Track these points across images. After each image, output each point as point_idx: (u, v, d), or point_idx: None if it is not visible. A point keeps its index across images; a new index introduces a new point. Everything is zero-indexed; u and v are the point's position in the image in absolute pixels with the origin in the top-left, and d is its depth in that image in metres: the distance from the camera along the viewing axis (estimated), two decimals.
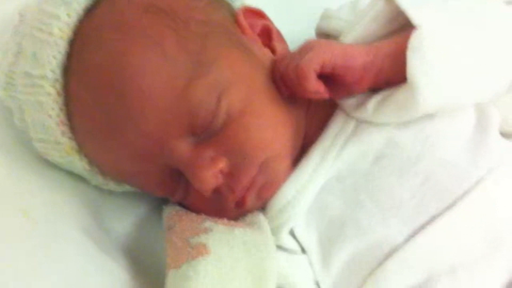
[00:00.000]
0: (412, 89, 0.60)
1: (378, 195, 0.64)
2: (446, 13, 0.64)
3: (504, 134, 0.68)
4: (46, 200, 0.70)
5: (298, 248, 0.67)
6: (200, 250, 0.61)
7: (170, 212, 0.69)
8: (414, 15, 0.62)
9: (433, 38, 0.61)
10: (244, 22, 0.72)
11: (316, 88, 0.63)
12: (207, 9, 0.69)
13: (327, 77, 0.64)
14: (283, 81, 0.66)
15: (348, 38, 0.69)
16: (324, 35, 0.76)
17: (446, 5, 0.66)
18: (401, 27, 0.66)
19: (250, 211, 0.68)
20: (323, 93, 0.64)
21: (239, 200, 0.66)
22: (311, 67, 0.62)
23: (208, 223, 0.64)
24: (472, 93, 0.64)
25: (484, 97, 0.66)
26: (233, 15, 0.73)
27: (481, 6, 0.66)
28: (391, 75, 0.63)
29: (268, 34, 0.73)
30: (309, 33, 0.77)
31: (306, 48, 0.65)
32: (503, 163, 0.64)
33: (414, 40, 0.60)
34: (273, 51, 0.72)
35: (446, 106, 0.64)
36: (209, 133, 0.64)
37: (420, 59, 0.60)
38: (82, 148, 0.70)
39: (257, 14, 0.74)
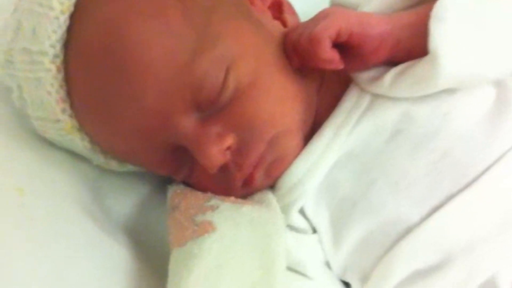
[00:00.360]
0: (434, 60, 0.58)
1: (392, 173, 0.62)
2: None
3: None
4: (44, 179, 0.68)
5: (308, 228, 0.66)
6: (205, 228, 0.59)
7: (175, 191, 0.67)
8: None
9: (457, 8, 0.59)
10: None
11: (330, 56, 0.61)
12: None
13: (342, 48, 0.62)
14: (295, 50, 0.64)
15: (366, 10, 0.66)
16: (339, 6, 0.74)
17: None
18: (420, 1, 0.64)
19: (258, 189, 0.66)
20: (337, 63, 0.61)
21: (247, 178, 0.64)
22: (326, 33, 0.60)
23: (215, 200, 0.63)
24: (494, 66, 0.62)
25: (507, 71, 0.63)
26: None
27: None
28: (409, 47, 0.62)
29: (278, 7, 0.72)
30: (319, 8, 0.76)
31: (320, 16, 0.63)
32: None
33: (438, 10, 0.59)
34: (283, 23, 0.70)
35: (467, 79, 0.62)
36: (215, 108, 0.62)
37: (444, 30, 0.58)
38: (83, 126, 0.68)
39: None
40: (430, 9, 0.59)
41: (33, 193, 0.65)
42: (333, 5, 0.75)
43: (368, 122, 0.64)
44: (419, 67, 0.60)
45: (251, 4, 0.69)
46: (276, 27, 0.69)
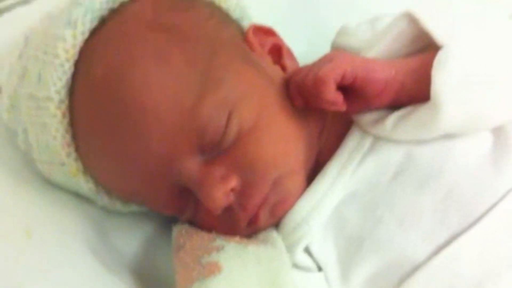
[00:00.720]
0: (436, 106, 0.60)
1: (398, 210, 0.63)
2: (471, 33, 0.64)
3: None
4: (51, 220, 0.69)
5: (314, 266, 0.67)
6: (212, 269, 0.60)
7: (180, 231, 0.68)
8: (439, 36, 0.62)
9: (459, 57, 0.61)
10: (253, 39, 0.72)
11: (334, 97, 0.62)
12: (216, 27, 0.70)
13: (346, 90, 0.63)
14: (300, 91, 0.65)
15: (368, 56, 0.68)
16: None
17: (468, 24, 0.66)
18: (424, 47, 0.66)
19: (263, 228, 0.67)
20: (340, 105, 0.62)
21: (251, 218, 0.65)
22: (331, 75, 0.61)
23: (220, 241, 0.64)
24: (495, 114, 0.64)
25: (507, 118, 0.65)
26: (243, 33, 0.73)
27: (504, 25, 0.66)
28: (412, 92, 0.63)
29: (278, 52, 0.73)
30: (318, 52, 0.78)
31: (325, 59, 0.64)
32: None
33: (440, 57, 0.60)
34: (283, 68, 0.72)
35: (467, 126, 0.63)
36: (219, 150, 0.64)
37: (446, 77, 0.60)
38: (88, 169, 0.69)
39: (267, 32, 0.74)
40: (433, 56, 0.61)
41: (41, 234, 0.67)
42: (335, 49, 0.77)
43: (371, 163, 0.65)
44: (421, 112, 0.62)
45: (251, 49, 0.71)
46: (276, 71, 0.71)
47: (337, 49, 0.77)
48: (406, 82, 0.63)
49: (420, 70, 0.62)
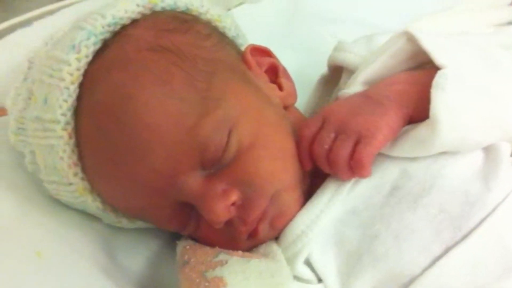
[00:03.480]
0: (434, 126, 0.62)
1: (394, 226, 0.65)
2: (468, 55, 0.66)
3: None
4: (60, 240, 0.71)
5: (313, 278, 0.68)
6: (217, 283, 0.61)
7: (184, 246, 0.69)
8: (438, 56, 0.64)
9: (458, 78, 0.63)
10: (251, 59, 0.74)
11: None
12: (213, 48, 0.71)
13: None
14: (313, 157, 0.67)
15: (365, 73, 0.70)
16: (337, 67, 0.78)
17: (466, 45, 0.67)
18: (419, 65, 0.68)
19: (263, 241, 0.68)
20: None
21: (252, 231, 0.67)
22: (371, 159, 0.63)
23: (223, 255, 0.65)
24: (490, 134, 0.66)
25: (501, 138, 0.67)
26: (239, 53, 0.75)
27: (500, 51, 0.68)
28: (412, 113, 0.65)
29: (274, 71, 0.75)
30: (312, 70, 0.80)
31: (353, 128, 0.64)
32: None
33: (439, 79, 0.62)
34: (280, 87, 0.74)
35: (462, 145, 0.65)
36: (219, 166, 0.65)
37: (445, 98, 0.62)
38: (94, 188, 0.71)
39: (264, 52, 0.76)
40: (431, 76, 0.63)
41: (51, 254, 0.68)
42: (331, 64, 0.79)
43: (367, 180, 0.67)
44: (419, 131, 0.64)
45: (249, 69, 0.73)
46: (273, 90, 0.73)
47: (332, 66, 0.78)
48: (410, 111, 0.65)
49: (420, 92, 0.63)
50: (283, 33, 0.93)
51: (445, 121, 0.62)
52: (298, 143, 0.68)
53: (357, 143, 0.64)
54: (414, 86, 0.66)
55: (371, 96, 0.67)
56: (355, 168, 0.64)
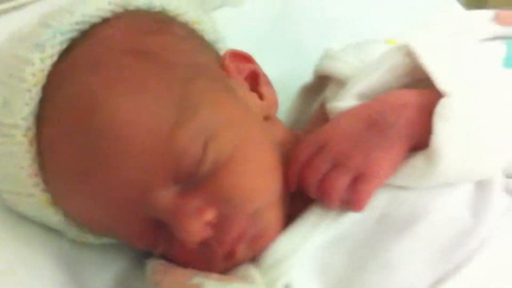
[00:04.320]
0: (435, 158, 0.58)
1: (380, 256, 0.61)
2: (470, 80, 0.62)
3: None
4: (15, 256, 0.66)
5: None
6: None
7: (153, 267, 0.64)
8: (441, 81, 0.60)
9: (462, 108, 0.59)
10: (230, 65, 0.69)
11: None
12: (192, 51, 0.67)
13: None
14: (300, 179, 0.63)
15: (360, 86, 0.66)
16: (324, 77, 0.74)
17: (466, 68, 0.64)
18: (416, 81, 0.64)
19: (241, 262, 0.64)
20: None
21: (228, 252, 0.62)
22: (369, 197, 0.61)
23: (198, 279, 0.60)
24: (491, 167, 0.63)
25: (500, 169, 0.64)
26: (218, 58, 0.71)
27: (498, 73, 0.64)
28: (416, 144, 0.61)
29: (255, 79, 0.71)
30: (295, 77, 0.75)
31: (352, 164, 0.61)
32: (507, 221, 0.62)
33: (443, 109, 0.59)
34: (260, 96, 0.70)
35: (461, 178, 0.62)
36: (195, 180, 0.60)
37: (449, 129, 0.58)
38: (57, 200, 0.65)
39: (244, 58, 0.72)
40: (430, 99, 0.59)
41: (4, 272, 0.63)
42: (319, 73, 0.75)
43: None
44: (418, 162, 0.60)
45: (228, 75, 0.69)
46: (253, 99, 0.69)
47: (319, 76, 0.74)
48: (414, 142, 0.61)
49: (428, 120, 0.59)
50: (267, 38, 0.89)
51: (448, 155, 0.58)
52: (288, 164, 0.64)
53: (356, 179, 0.61)
54: (423, 113, 0.61)
55: (376, 122, 0.62)
56: (351, 204, 0.61)
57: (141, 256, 0.69)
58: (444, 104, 0.59)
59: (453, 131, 0.58)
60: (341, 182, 0.61)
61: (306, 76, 0.78)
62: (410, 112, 0.62)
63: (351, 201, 0.61)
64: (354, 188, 0.60)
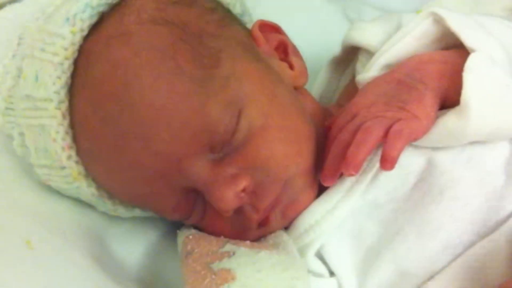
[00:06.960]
0: (466, 114, 0.57)
1: (417, 221, 0.61)
2: (496, 37, 0.62)
3: None
4: (51, 229, 0.66)
5: (325, 272, 0.64)
6: (224, 276, 0.57)
7: (187, 236, 0.65)
8: (469, 39, 0.60)
9: (491, 63, 0.59)
10: (260, 35, 0.69)
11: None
12: (220, 22, 0.67)
13: None
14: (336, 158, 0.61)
15: (387, 55, 0.66)
16: (352, 47, 0.74)
17: (492, 28, 0.64)
18: (445, 48, 0.64)
19: (274, 230, 0.64)
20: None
21: (262, 220, 0.63)
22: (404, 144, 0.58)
23: (230, 246, 0.61)
24: None
25: None
26: (246, 29, 0.71)
27: None
28: (446, 97, 0.61)
29: (284, 49, 0.71)
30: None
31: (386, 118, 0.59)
32: None
33: (471, 63, 0.58)
34: (290, 66, 0.70)
35: (494, 135, 0.61)
36: (229, 149, 0.61)
37: (478, 82, 0.57)
38: (90, 172, 0.66)
39: (273, 28, 0.72)
40: (464, 58, 0.58)
41: (42, 244, 0.63)
42: (347, 44, 0.74)
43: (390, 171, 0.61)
44: (449, 120, 0.59)
45: (257, 45, 0.69)
46: (283, 69, 0.69)
47: (348, 46, 0.74)
48: (444, 94, 0.61)
49: (455, 73, 0.59)
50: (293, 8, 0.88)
51: (479, 110, 0.57)
52: (325, 139, 0.63)
53: (389, 130, 0.58)
54: (449, 67, 0.61)
55: (403, 82, 0.62)
56: (383, 158, 0.58)
57: (171, 229, 0.70)
58: (474, 58, 0.58)
59: (484, 84, 0.58)
60: (377, 130, 0.59)
61: (332, 49, 0.77)
62: (436, 66, 0.62)
63: (383, 155, 0.58)
64: (388, 137, 0.58)
